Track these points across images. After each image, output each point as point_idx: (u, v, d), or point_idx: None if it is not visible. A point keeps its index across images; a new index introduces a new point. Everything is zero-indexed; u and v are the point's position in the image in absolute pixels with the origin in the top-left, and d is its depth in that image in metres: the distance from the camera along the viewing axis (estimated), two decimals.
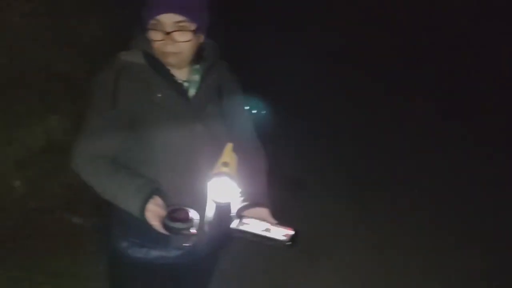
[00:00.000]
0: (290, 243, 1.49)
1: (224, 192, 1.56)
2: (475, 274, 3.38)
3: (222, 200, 1.57)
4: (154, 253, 1.73)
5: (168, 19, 1.58)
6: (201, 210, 1.58)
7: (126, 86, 1.62)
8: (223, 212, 1.63)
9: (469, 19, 7.20)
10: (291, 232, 1.51)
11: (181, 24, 1.59)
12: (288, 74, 6.27)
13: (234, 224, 1.54)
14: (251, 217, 1.58)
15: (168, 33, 1.59)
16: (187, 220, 1.53)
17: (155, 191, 1.58)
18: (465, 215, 4.05)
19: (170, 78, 1.66)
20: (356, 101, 6.00)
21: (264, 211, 1.65)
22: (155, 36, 1.60)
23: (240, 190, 1.66)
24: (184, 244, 1.65)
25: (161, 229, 1.53)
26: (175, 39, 1.60)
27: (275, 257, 3.17)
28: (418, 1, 7.65)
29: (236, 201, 1.67)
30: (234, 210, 1.66)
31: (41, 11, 2.97)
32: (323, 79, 6.32)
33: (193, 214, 1.53)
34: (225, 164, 1.53)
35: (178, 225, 1.52)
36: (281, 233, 1.52)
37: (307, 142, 5.18)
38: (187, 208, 1.54)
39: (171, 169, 1.67)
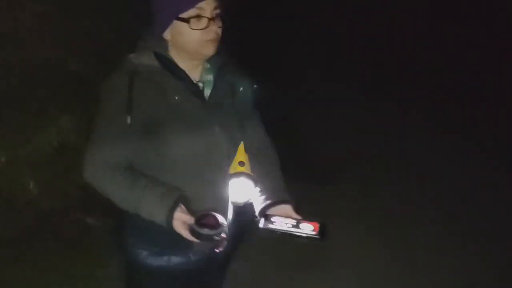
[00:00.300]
0: (319, 237, 1.51)
1: (243, 191, 1.57)
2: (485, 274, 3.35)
3: (242, 200, 1.57)
4: (175, 260, 1.69)
5: (210, 5, 1.55)
6: (224, 213, 1.56)
7: (140, 90, 1.56)
8: (244, 213, 1.62)
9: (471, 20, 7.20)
10: (319, 226, 1.53)
11: (217, 9, 1.57)
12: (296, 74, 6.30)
13: (261, 224, 1.54)
14: (276, 215, 1.58)
15: (211, 19, 1.55)
16: (217, 225, 1.50)
17: (180, 198, 1.55)
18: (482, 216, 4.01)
19: (186, 79, 1.62)
20: (363, 101, 5.99)
21: (287, 207, 1.65)
22: (198, 24, 1.55)
23: (259, 188, 1.66)
24: (215, 250, 1.61)
25: (190, 237, 1.51)
26: (217, 25, 1.57)
27: (284, 257, 3.16)
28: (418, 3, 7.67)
29: (257, 200, 1.66)
30: (257, 210, 1.65)
31: (53, 11, 2.98)
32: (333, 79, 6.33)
33: (221, 219, 1.51)
34: (242, 163, 1.53)
35: (208, 231, 1.49)
36: (309, 228, 1.54)
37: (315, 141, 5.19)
38: (214, 213, 1.52)
39: (191, 173, 1.62)
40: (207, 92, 1.65)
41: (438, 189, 4.36)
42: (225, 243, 1.55)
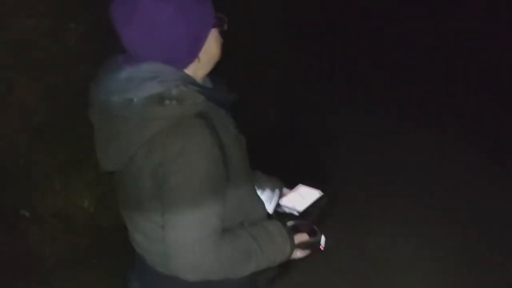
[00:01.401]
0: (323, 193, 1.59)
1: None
2: None
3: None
4: None
5: None
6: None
7: (222, 139, 1.31)
8: None
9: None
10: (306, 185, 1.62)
11: None
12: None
13: (297, 213, 1.53)
14: (284, 201, 1.59)
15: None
16: (312, 227, 1.46)
17: (283, 224, 1.45)
18: None
19: (224, 102, 1.43)
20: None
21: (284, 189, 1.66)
22: (219, 35, 1.39)
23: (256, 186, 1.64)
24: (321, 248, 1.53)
25: (305, 253, 1.46)
26: None
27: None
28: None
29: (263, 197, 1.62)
30: (272, 206, 1.61)
31: (95, 34, 3.01)
32: None
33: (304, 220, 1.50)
34: None
35: (318, 237, 1.44)
36: (311, 191, 1.58)
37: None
38: (300, 221, 1.48)
39: (250, 198, 1.50)
40: None
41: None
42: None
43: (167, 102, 1.24)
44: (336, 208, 3.75)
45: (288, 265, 1.49)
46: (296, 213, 1.54)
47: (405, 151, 4.96)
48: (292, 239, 1.41)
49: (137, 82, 1.27)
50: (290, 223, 1.47)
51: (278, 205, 1.61)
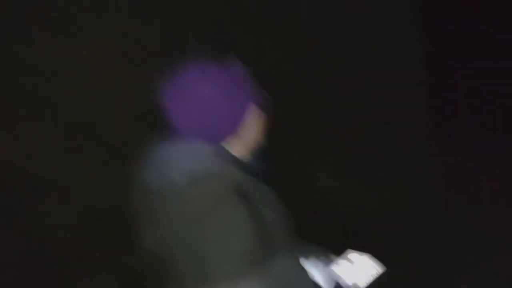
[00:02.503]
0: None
1: None
2: None
3: None
4: None
5: None
6: None
7: (259, 210, 1.32)
8: None
9: None
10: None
11: None
12: None
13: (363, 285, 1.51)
14: (339, 271, 1.55)
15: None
16: None
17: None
18: None
19: (263, 175, 1.45)
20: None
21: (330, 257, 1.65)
22: (262, 117, 1.44)
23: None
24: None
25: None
26: None
27: None
28: None
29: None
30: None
31: None
32: None
33: None
34: None
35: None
36: (365, 259, 1.55)
37: None
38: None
39: (297, 270, 1.51)
40: None
41: None
42: None
43: (207, 180, 1.27)
44: None
45: None
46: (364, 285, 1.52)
47: None
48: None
49: (178, 162, 1.31)
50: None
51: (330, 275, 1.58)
